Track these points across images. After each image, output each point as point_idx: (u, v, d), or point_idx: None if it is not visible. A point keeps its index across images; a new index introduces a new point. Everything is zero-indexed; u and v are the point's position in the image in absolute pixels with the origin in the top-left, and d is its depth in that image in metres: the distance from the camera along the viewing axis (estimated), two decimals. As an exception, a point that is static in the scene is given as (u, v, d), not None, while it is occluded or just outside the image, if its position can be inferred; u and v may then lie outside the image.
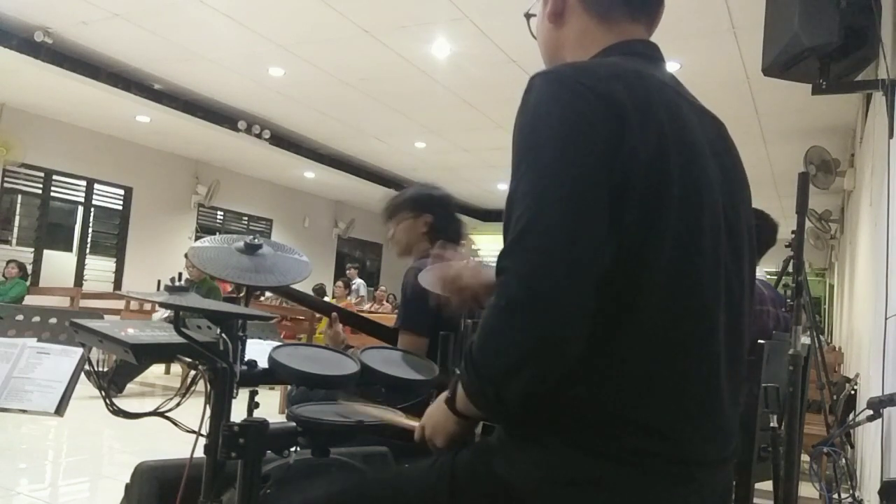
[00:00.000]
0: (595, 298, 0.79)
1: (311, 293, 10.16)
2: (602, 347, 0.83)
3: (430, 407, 1.05)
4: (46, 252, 8.69)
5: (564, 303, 0.78)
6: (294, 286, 1.56)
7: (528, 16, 1.17)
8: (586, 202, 0.80)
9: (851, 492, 2.70)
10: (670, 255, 0.85)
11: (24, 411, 1.20)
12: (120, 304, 7.58)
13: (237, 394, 1.17)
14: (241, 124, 8.10)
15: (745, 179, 1.04)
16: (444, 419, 0.98)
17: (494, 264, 0.85)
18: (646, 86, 0.91)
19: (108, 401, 1.23)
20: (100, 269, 9.27)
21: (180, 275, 5.82)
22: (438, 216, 2.25)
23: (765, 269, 2.68)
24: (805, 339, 2.10)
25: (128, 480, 1.38)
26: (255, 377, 1.23)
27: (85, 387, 1.28)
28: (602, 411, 0.84)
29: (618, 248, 0.82)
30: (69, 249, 9.12)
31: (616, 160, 0.83)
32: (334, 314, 2.20)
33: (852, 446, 3.75)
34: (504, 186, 10.84)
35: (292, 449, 1.20)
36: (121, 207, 9.48)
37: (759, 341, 2.09)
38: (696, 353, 0.88)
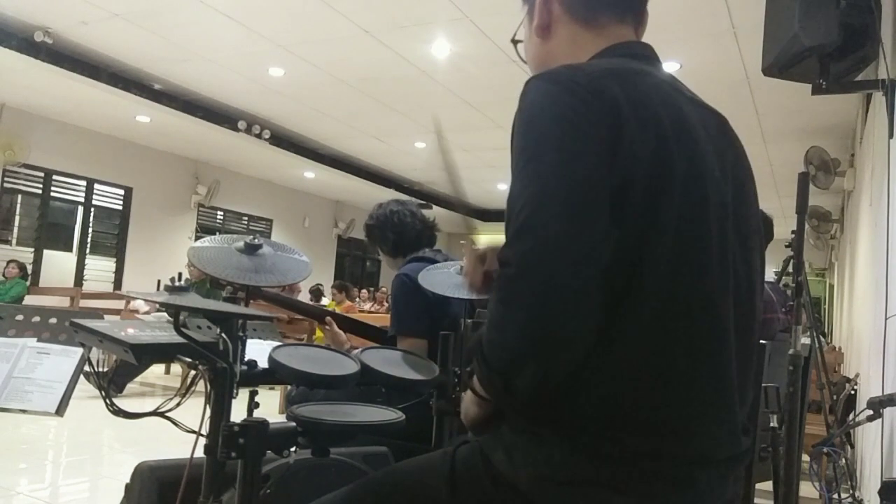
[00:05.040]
0: (600, 295, 0.78)
1: (308, 293, 10.17)
2: (604, 345, 0.82)
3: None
4: (46, 252, 8.69)
5: (566, 299, 0.77)
6: (284, 293, 1.57)
7: (515, 42, 1.14)
8: (587, 199, 0.80)
9: (851, 492, 2.70)
10: (672, 250, 0.84)
11: (24, 411, 1.20)
12: (120, 304, 7.58)
13: (237, 394, 1.17)
14: (241, 124, 8.10)
15: (750, 173, 1.03)
16: (469, 399, 1.00)
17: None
18: (642, 83, 0.91)
19: (108, 401, 1.23)
20: (100, 269, 9.28)
21: (180, 275, 5.81)
22: (385, 239, 2.38)
23: (773, 270, 2.67)
24: (805, 340, 2.10)
25: (128, 480, 1.38)
26: (255, 377, 1.23)
27: (85, 387, 1.28)
28: (605, 410, 0.83)
29: (618, 244, 0.81)
30: (69, 249, 9.12)
31: (615, 157, 0.82)
32: (328, 318, 2.24)
33: (852, 446, 3.75)
34: (504, 186, 10.84)
35: (292, 449, 1.20)
36: (121, 207, 9.48)
37: (762, 342, 2.09)
38: (702, 349, 0.86)
